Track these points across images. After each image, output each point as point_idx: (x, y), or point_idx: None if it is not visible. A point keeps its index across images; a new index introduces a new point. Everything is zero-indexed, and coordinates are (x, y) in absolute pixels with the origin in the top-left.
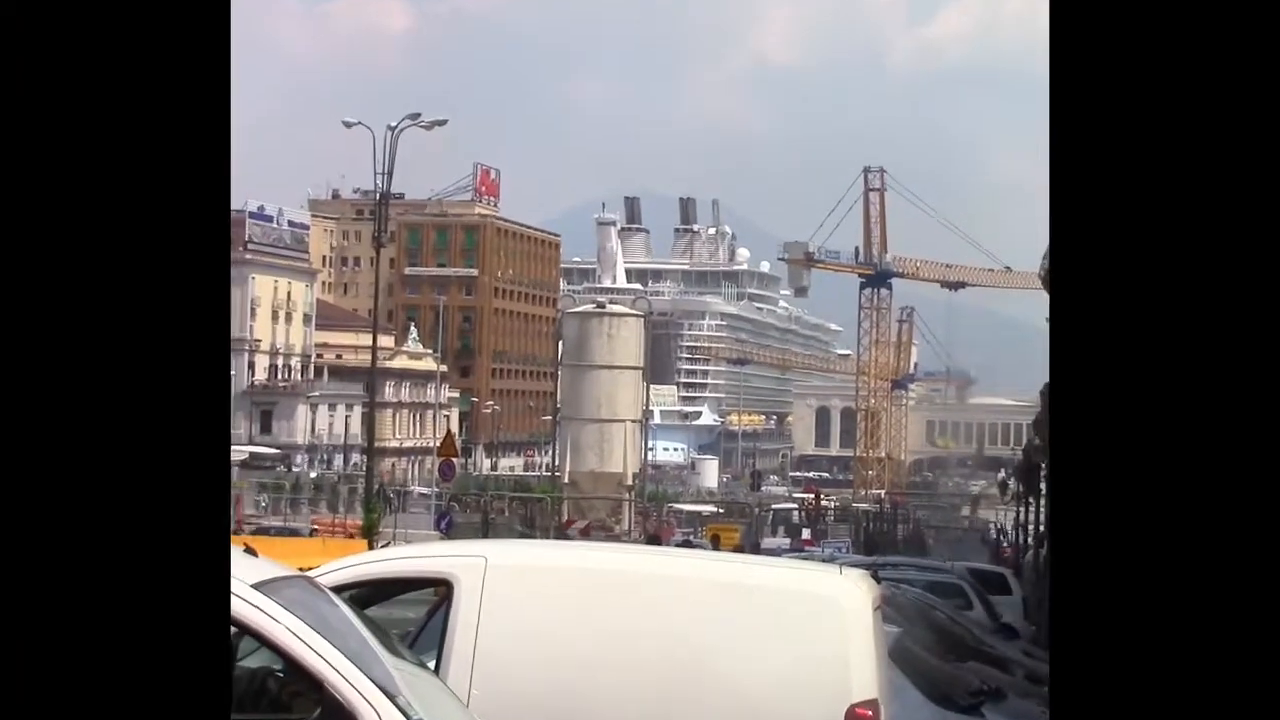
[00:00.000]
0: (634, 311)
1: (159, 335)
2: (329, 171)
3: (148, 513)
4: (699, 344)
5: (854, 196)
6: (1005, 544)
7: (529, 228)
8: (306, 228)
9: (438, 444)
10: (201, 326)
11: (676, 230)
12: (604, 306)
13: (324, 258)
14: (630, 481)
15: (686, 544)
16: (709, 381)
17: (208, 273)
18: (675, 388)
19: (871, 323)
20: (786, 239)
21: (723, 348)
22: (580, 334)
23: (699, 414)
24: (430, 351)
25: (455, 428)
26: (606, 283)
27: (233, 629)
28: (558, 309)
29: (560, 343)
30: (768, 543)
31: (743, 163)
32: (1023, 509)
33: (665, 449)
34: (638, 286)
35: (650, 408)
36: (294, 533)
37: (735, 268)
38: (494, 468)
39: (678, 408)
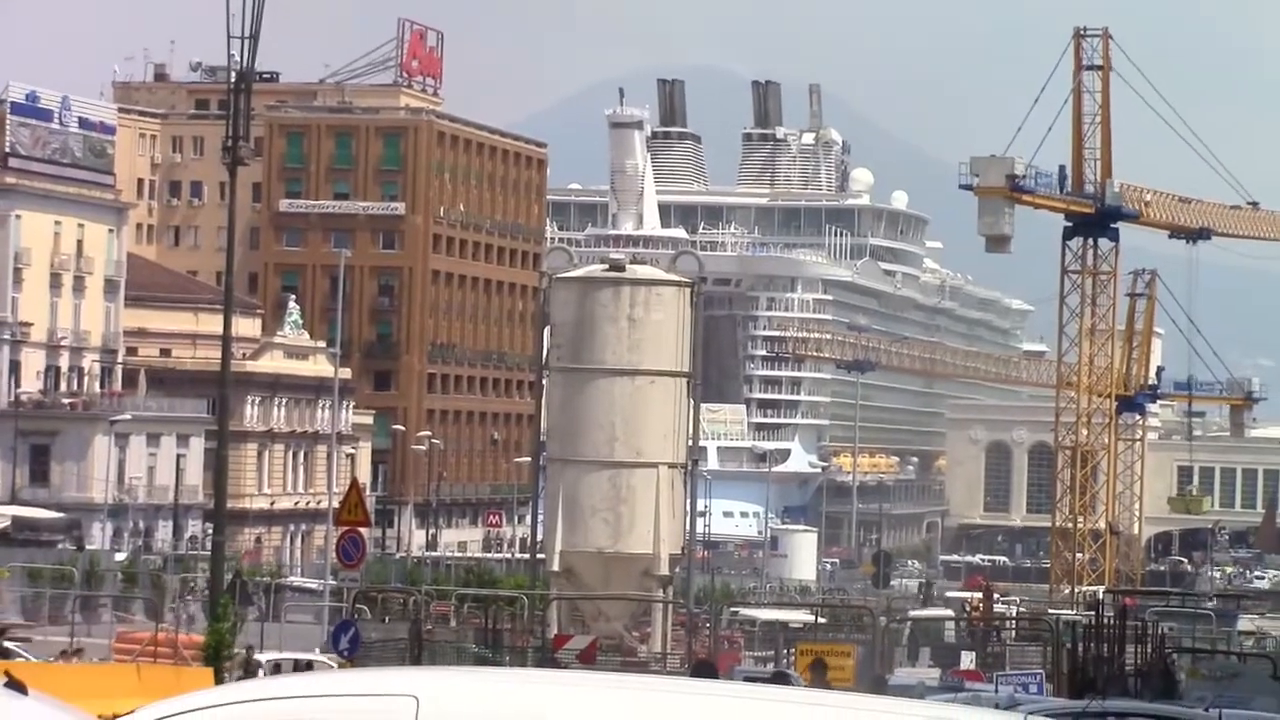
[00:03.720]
0: (674, 277)
1: None
2: (149, 37)
3: None
4: (786, 334)
5: (1057, 89)
6: None
7: (494, 132)
8: (111, 131)
9: (335, 504)
10: None
11: (747, 137)
12: (622, 268)
13: (140, 183)
14: (666, 570)
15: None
16: (802, 398)
17: None
18: (745, 408)
19: (1083, 296)
20: (964, 151)
21: (826, 340)
22: (581, 316)
23: (786, 453)
24: (323, 345)
25: (366, 476)
26: (627, 228)
27: None
28: (542, 271)
29: (547, 331)
30: (901, 674)
31: (857, 23)
32: None
33: (727, 514)
34: (680, 234)
35: (702, 442)
36: (85, 653)
37: (849, 203)
38: (432, 544)
39: (748, 443)
